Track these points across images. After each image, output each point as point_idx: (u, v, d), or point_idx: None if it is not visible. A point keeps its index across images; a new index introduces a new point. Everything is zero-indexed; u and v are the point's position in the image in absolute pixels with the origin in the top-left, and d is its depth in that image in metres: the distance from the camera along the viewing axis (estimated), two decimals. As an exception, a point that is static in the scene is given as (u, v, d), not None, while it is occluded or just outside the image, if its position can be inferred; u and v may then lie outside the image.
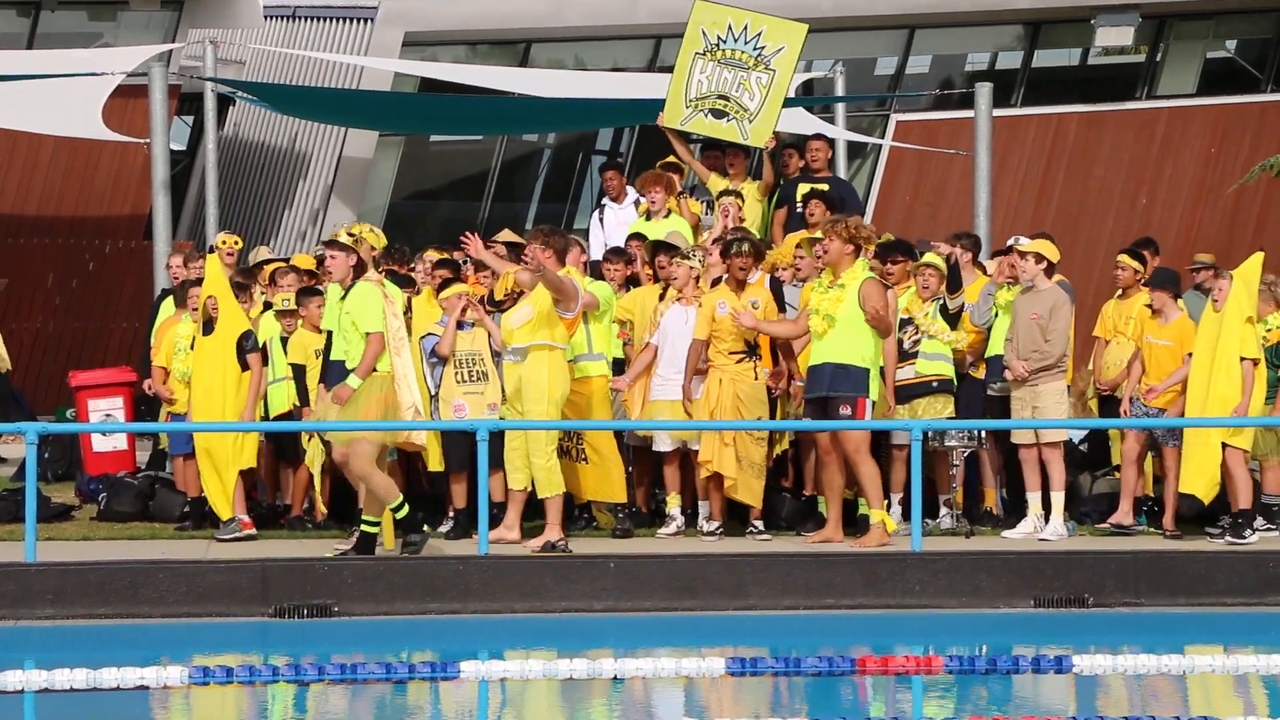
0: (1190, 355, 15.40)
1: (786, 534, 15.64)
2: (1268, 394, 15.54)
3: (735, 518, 15.60)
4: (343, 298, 14.45)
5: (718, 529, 15.44)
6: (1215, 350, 15.13)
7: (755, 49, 17.40)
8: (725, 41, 17.42)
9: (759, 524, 15.49)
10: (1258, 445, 15.46)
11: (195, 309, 15.86)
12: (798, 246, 16.24)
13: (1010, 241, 16.01)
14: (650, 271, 16.19)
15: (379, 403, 14.36)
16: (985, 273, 16.31)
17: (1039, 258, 15.54)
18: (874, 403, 14.88)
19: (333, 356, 14.53)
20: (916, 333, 15.49)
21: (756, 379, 15.41)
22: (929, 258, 15.71)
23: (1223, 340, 15.10)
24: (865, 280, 14.90)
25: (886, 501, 15.23)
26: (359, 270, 14.50)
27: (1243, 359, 15.08)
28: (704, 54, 17.50)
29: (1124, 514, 15.54)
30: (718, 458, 15.35)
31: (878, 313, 14.73)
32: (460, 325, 15.49)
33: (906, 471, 14.94)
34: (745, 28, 17.41)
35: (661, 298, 15.74)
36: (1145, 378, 15.51)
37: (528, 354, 14.98)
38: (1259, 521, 15.54)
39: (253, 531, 15.29)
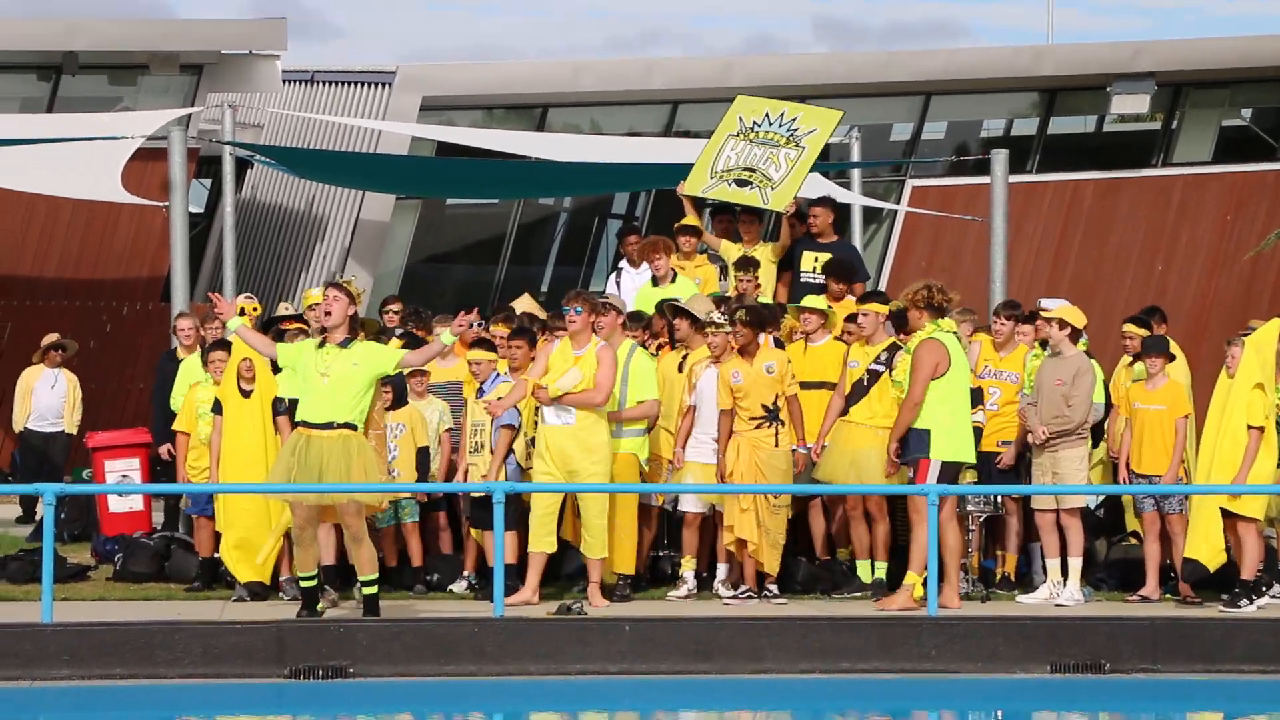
0: (1184, 419, 15.43)
1: (802, 597, 15.63)
2: (1280, 461, 15.52)
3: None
4: (342, 345, 14.21)
5: (746, 593, 15.45)
6: (1224, 416, 15.13)
7: (789, 131, 17.60)
8: (760, 125, 17.66)
9: (774, 588, 15.49)
10: (1271, 511, 15.42)
11: (218, 372, 15.89)
12: (804, 311, 16.29)
13: (1037, 305, 16.02)
14: (666, 336, 16.22)
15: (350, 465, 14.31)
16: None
17: (1063, 323, 15.57)
18: (945, 464, 14.82)
19: (322, 416, 14.10)
20: None
21: (777, 445, 15.44)
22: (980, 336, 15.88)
23: (1230, 407, 15.11)
24: (921, 342, 14.98)
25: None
26: (353, 324, 14.40)
27: (1250, 426, 15.04)
28: (737, 135, 17.71)
29: (1152, 589, 15.50)
30: (738, 523, 15.38)
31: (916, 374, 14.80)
32: (479, 393, 15.53)
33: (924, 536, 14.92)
34: (782, 115, 17.70)
35: (680, 369, 15.80)
36: (1134, 443, 15.51)
37: (580, 417, 14.98)
38: (1276, 589, 15.50)
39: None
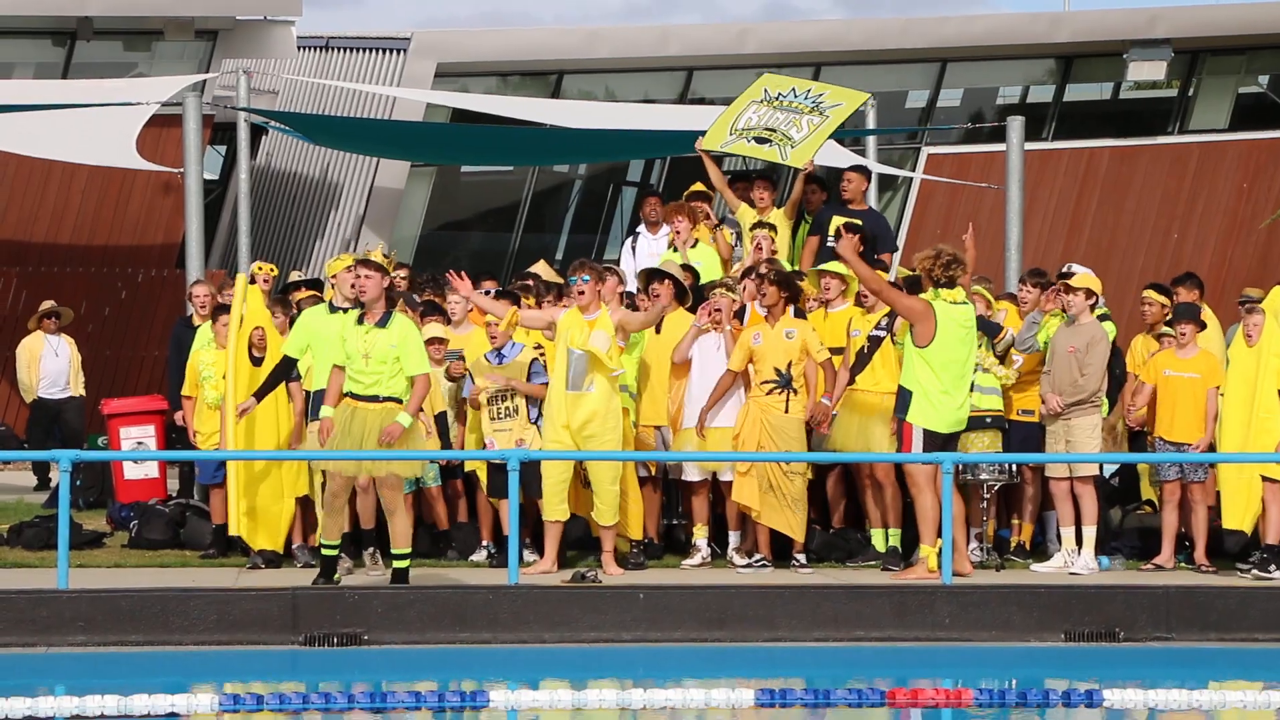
0: (1216, 389, 15.39)
1: (818, 565, 15.64)
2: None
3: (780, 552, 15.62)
4: (380, 324, 14.33)
5: (760, 560, 15.45)
6: (1254, 385, 15.10)
7: (814, 102, 17.57)
8: (785, 96, 17.62)
9: (800, 557, 15.49)
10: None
11: (224, 337, 15.88)
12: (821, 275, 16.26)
13: (1064, 269, 15.94)
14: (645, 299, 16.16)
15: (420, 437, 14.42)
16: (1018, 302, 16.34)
17: (1089, 293, 15.54)
18: (928, 432, 14.78)
19: (366, 389, 14.25)
20: (980, 366, 15.46)
21: (788, 411, 15.42)
22: (977, 288, 15.77)
23: (1261, 376, 15.08)
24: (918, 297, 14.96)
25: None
26: (390, 297, 14.45)
27: None
28: (761, 102, 17.67)
29: (1167, 558, 15.50)
30: (737, 488, 15.38)
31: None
32: (501, 357, 15.53)
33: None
34: (809, 91, 17.64)
35: (658, 331, 15.75)
36: (1161, 411, 15.47)
37: (598, 384, 15.00)
38: (1292, 556, 15.51)
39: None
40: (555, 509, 15.21)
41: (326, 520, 14.48)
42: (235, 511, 15.44)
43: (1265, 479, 15.04)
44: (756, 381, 15.42)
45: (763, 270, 15.76)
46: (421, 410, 14.57)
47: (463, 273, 15.48)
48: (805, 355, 15.39)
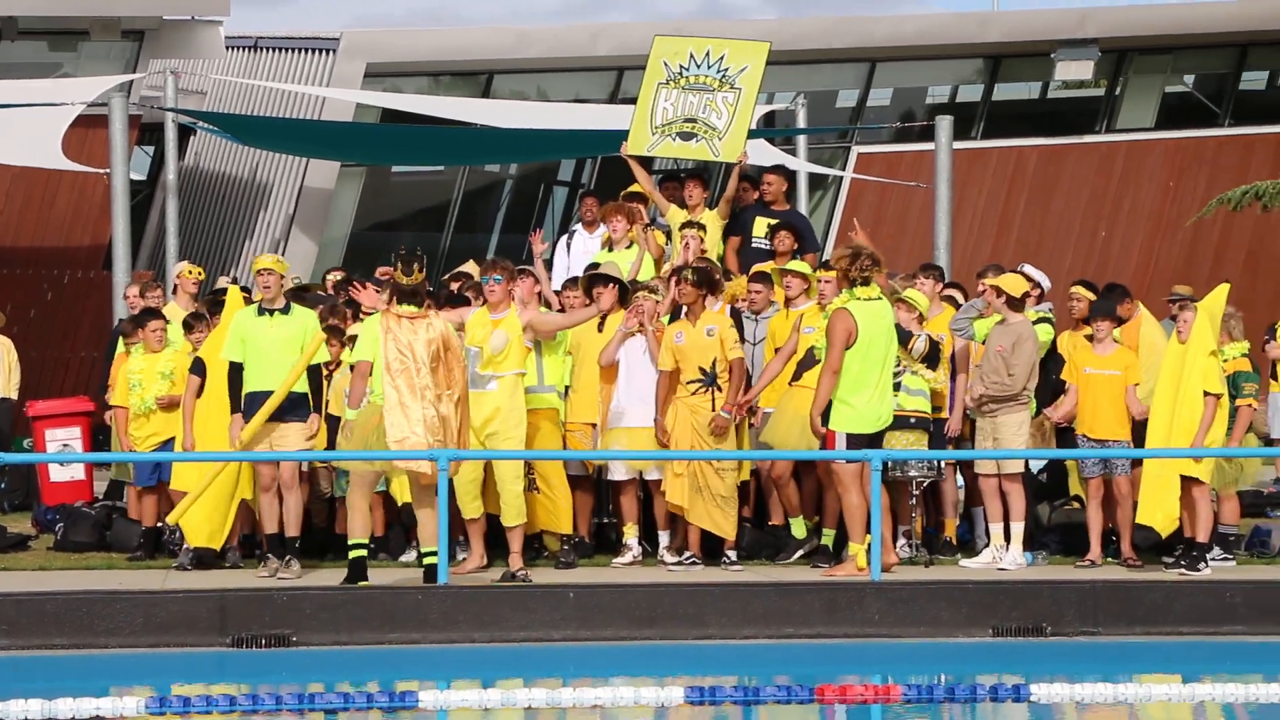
0: (1135, 386, 15.50)
1: (746, 563, 15.66)
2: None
3: (712, 550, 15.63)
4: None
5: (690, 559, 15.46)
6: (1179, 383, 15.19)
7: (719, 71, 17.38)
8: (688, 69, 17.41)
9: (732, 554, 15.51)
10: (1214, 477, 15.51)
11: (158, 340, 15.82)
12: (754, 279, 16.27)
13: (1019, 269, 16.03)
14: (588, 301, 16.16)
15: (367, 430, 14.36)
16: (955, 304, 16.37)
17: (998, 291, 15.61)
18: (850, 435, 14.83)
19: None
20: (899, 365, 15.48)
21: (714, 409, 15.43)
22: (909, 294, 15.78)
23: (1186, 374, 15.16)
24: (833, 312, 14.96)
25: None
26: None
27: (1206, 393, 15.11)
28: (667, 83, 17.48)
29: (1095, 554, 15.56)
30: (670, 488, 15.39)
31: (829, 339, 14.79)
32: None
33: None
34: (707, 54, 17.40)
35: (600, 329, 15.74)
36: (1082, 409, 15.56)
37: (499, 382, 14.98)
38: (1215, 551, 15.60)
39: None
40: (469, 507, 15.17)
41: (351, 520, 14.40)
42: (186, 503, 15.32)
43: (1184, 478, 15.10)
44: (682, 381, 15.43)
45: (685, 274, 15.71)
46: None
47: (367, 283, 15.43)
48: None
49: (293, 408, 14.95)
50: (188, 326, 16.22)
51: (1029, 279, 16.08)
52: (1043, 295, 16.48)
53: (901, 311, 15.56)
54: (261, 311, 15.03)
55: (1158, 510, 15.11)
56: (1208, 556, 15.15)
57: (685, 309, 15.56)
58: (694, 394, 15.43)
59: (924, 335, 15.64)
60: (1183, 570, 15.01)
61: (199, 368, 15.44)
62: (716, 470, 15.36)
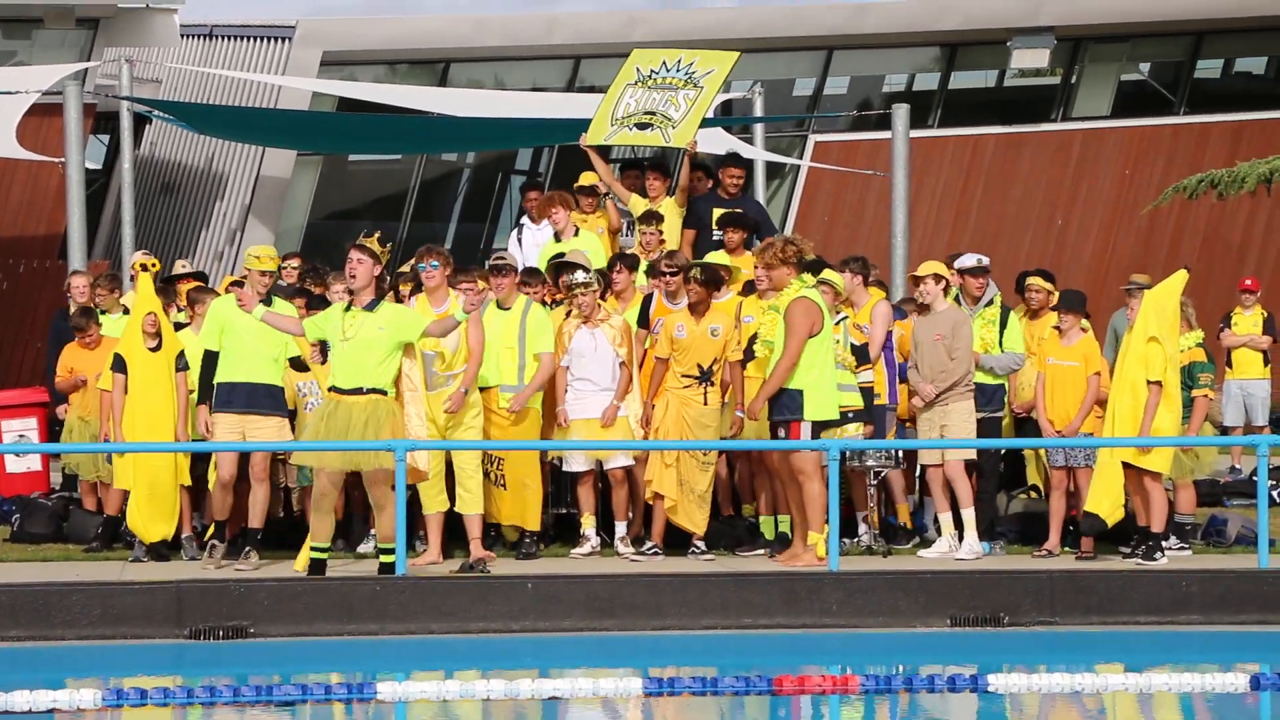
0: (1096, 375, 15.54)
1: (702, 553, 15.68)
2: (1183, 414, 15.64)
3: (671, 541, 15.64)
4: (368, 309, 14.20)
5: (652, 549, 15.47)
6: (1122, 370, 15.24)
7: (686, 74, 17.53)
8: (658, 73, 17.58)
9: (701, 544, 15.53)
10: (1170, 466, 15.54)
11: (93, 344, 15.79)
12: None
13: (971, 263, 16.00)
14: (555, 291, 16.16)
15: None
16: (887, 293, 16.39)
17: (938, 278, 15.65)
18: (815, 423, 14.85)
19: (349, 381, 14.17)
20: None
21: (706, 404, 15.46)
22: (826, 274, 15.72)
23: (1129, 361, 15.20)
24: (793, 300, 14.96)
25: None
26: (380, 284, 14.32)
27: (1148, 381, 15.11)
28: (635, 84, 17.63)
29: (1054, 544, 15.59)
30: (658, 478, 15.41)
31: (791, 331, 14.79)
32: None
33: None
34: (679, 61, 17.58)
35: (567, 317, 15.76)
36: (1049, 399, 15.59)
37: (456, 377, 14.98)
38: (1172, 541, 15.66)
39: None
40: (433, 501, 15.16)
41: (315, 520, 14.38)
42: (132, 502, 15.28)
43: (1127, 466, 15.10)
44: (676, 374, 15.46)
45: (671, 265, 15.68)
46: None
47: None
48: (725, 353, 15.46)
49: (268, 400, 14.88)
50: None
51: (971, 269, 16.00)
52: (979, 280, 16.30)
53: (827, 296, 15.49)
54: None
55: (1104, 498, 15.15)
56: (1164, 546, 15.20)
57: (690, 306, 15.53)
58: (686, 387, 15.46)
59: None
60: (1138, 560, 15.07)
61: (120, 364, 15.40)
62: (700, 465, 15.38)
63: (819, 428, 14.91)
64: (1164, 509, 15.21)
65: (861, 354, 15.59)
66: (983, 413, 15.73)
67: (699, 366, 15.47)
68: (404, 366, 14.41)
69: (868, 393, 15.60)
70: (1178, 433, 15.22)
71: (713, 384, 15.48)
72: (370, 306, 14.23)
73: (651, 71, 17.55)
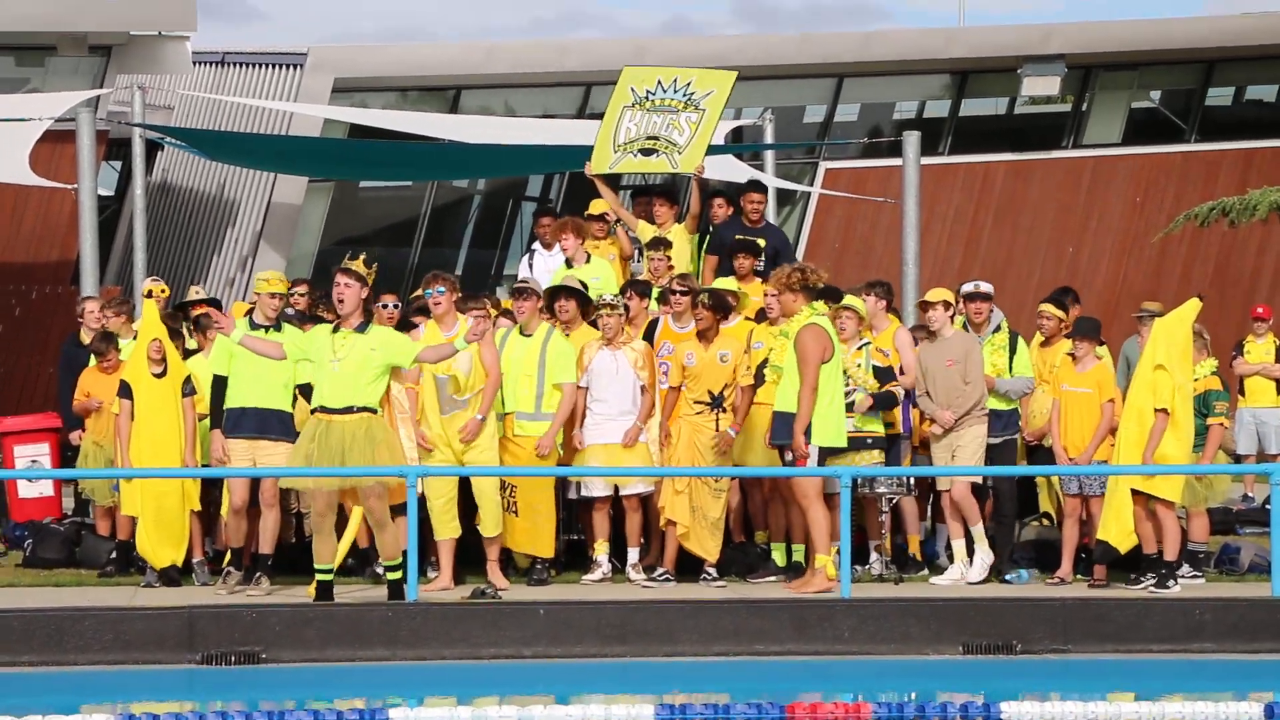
0: (1110, 403, 15.53)
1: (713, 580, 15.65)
2: (1194, 442, 15.63)
3: (683, 567, 15.64)
4: (359, 330, 14.22)
5: (664, 575, 15.47)
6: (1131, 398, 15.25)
7: (685, 95, 17.50)
8: (655, 94, 17.54)
9: (713, 571, 15.51)
10: (1184, 495, 15.52)
11: (111, 367, 15.82)
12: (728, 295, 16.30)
13: (969, 288, 16.01)
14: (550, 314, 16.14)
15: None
16: (902, 319, 16.41)
17: (947, 305, 15.68)
18: (820, 449, 14.87)
19: (339, 401, 14.20)
20: (850, 385, 15.48)
21: (718, 429, 15.47)
22: (848, 300, 15.76)
23: (1135, 388, 15.21)
24: (803, 327, 14.97)
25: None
26: (368, 308, 14.38)
27: (1155, 409, 15.11)
28: (633, 106, 17.61)
29: (1066, 571, 15.57)
30: (669, 504, 15.41)
31: (804, 358, 14.79)
32: None
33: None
34: (675, 81, 17.54)
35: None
36: (1064, 426, 15.58)
37: (472, 401, 14.99)
38: (1185, 569, 15.64)
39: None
40: (445, 527, 15.16)
41: (317, 541, 14.38)
42: (140, 529, 15.30)
43: (1136, 493, 15.08)
44: (688, 400, 15.47)
45: (682, 286, 15.72)
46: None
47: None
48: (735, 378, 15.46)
49: (278, 425, 14.90)
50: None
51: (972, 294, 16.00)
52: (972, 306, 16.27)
53: (850, 322, 15.51)
54: (253, 327, 15.00)
55: (1113, 525, 15.15)
56: (1177, 574, 15.17)
57: (699, 331, 15.55)
58: (698, 414, 15.47)
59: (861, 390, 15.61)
60: (1151, 589, 15.04)
61: (126, 390, 15.43)
62: (713, 491, 15.38)
63: (825, 453, 14.90)
64: (1177, 537, 15.18)
65: (884, 375, 15.59)
66: (999, 437, 15.72)
67: (710, 393, 15.49)
68: (393, 390, 14.43)
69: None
70: (1187, 461, 15.20)
71: (724, 410, 15.49)
72: (361, 328, 14.24)
73: (648, 92, 17.52)
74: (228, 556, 15.17)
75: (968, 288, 16.09)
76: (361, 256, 14.41)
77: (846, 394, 15.25)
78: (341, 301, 14.24)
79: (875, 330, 15.96)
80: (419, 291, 16.44)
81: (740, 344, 15.64)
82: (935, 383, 15.61)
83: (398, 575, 14.28)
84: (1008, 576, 15.58)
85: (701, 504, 15.44)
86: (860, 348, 15.49)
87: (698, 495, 15.42)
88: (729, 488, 15.63)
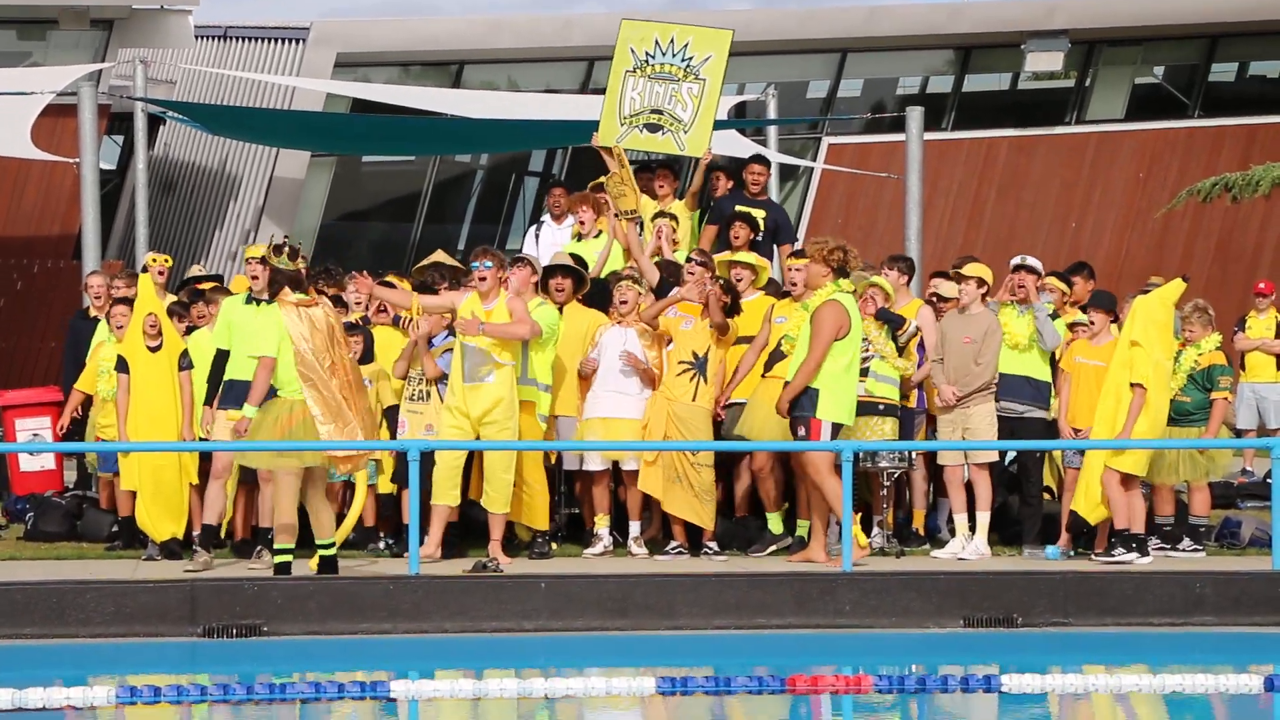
0: (1140, 387, 15.49)
1: (715, 554, 15.66)
2: (1196, 416, 15.63)
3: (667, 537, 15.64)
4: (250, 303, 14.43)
5: (676, 549, 15.48)
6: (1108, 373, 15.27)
7: (684, 60, 17.47)
8: (654, 56, 17.50)
9: (713, 545, 15.52)
10: (1182, 469, 15.51)
11: (120, 327, 15.79)
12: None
13: (1016, 260, 15.96)
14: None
15: (278, 427, 14.25)
16: (937, 294, 16.35)
17: (980, 282, 15.65)
18: (833, 425, 14.88)
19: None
20: (868, 349, 15.48)
21: (695, 399, 15.47)
22: (875, 279, 15.77)
23: (1115, 364, 15.22)
24: (824, 302, 14.97)
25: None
26: (276, 288, 14.43)
27: (1131, 384, 15.11)
28: (634, 71, 17.57)
29: (1065, 543, 15.56)
30: (643, 476, 15.41)
31: (818, 334, 14.80)
32: (430, 343, 15.47)
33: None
34: (672, 40, 17.51)
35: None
36: (1074, 398, 15.57)
37: (497, 374, 14.99)
38: (1186, 543, 15.65)
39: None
40: (445, 494, 15.14)
41: (281, 517, 14.35)
42: (140, 502, 15.30)
43: (1108, 467, 15.07)
44: (673, 361, 15.47)
45: (697, 260, 15.76)
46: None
47: (364, 271, 15.48)
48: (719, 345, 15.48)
49: (272, 398, 14.86)
50: (174, 314, 16.18)
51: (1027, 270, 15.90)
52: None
53: (878, 299, 15.54)
54: (250, 300, 15.01)
55: (1083, 498, 15.18)
56: (1142, 547, 15.12)
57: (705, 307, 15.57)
58: (679, 375, 15.47)
59: (914, 323, 15.66)
60: (1105, 561, 15.04)
61: (123, 365, 15.43)
62: (694, 464, 15.38)
63: (835, 430, 14.92)
64: (1141, 511, 15.16)
65: (896, 323, 15.58)
66: (1027, 407, 15.60)
67: (694, 354, 15.46)
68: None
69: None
70: (1157, 436, 15.17)
71: (705, 379, 15.47)
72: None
73: (647, 55, 17.48)
74: (222, 529, 15.16)
75: (1015, 260, 16.01)
76: (271, 239, 14.59)
77: (863, 360, 15.25)
78: (255, 280, 14.48)
79: (897, 306, 15.96)
80: (426, 260, 16.46)
81: (757, 318, 15.61)
82: (949, 355, 15.60)
83: (329, 552, 14.30)
84: (1035, 552, 15.45)
85: (686, 473, 15.41)
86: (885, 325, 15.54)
87: (682, 466, 15.39)
88: (712, 460, 15.56)
